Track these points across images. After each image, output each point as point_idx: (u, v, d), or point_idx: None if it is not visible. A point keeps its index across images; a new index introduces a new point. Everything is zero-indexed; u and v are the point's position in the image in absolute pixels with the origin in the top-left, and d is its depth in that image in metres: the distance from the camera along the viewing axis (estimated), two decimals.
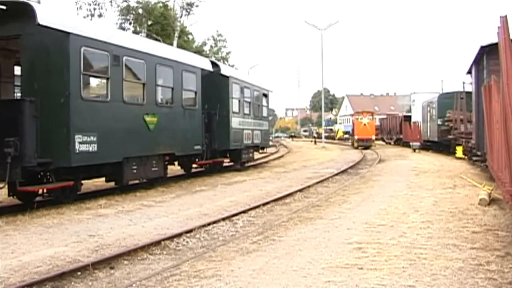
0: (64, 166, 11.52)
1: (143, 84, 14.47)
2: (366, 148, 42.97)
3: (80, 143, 11.62)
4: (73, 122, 11.48)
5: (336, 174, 20.01)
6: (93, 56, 12.51)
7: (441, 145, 32.11)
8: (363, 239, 7.97)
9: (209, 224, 9.70)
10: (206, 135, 18.90)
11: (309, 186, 15.81)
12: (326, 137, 60.66)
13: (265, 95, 26.06)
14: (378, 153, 34.06)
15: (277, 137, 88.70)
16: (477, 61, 17.08)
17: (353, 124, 48.68)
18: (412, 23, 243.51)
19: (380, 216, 9.93)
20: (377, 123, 57.93)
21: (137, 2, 38.18)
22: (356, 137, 46.26)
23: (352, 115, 57.96)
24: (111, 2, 36.49)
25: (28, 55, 11.62)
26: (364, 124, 45.92)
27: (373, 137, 46.71)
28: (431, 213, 10.18)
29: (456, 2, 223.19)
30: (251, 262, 6.77)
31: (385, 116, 65.48)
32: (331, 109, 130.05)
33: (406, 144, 41.51)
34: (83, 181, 12.83)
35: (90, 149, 11.95)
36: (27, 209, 11.00)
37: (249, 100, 23.20)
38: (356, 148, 43.71)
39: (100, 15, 35.76)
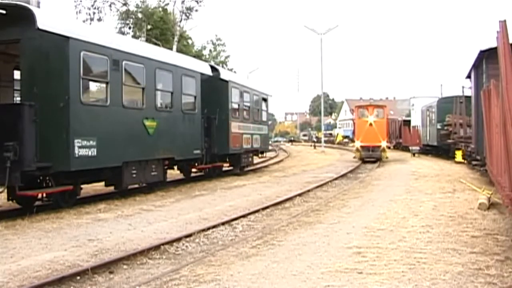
0: (64, 171, 11.51)
1: (143, 89, 14.48)
2: (374, 161, 29.61)
3: (79, 147, 11.62)
4: (73, 126, 11.48)
5: (336, 179, 20.01)
6: (92, 60, 12.52)
7: (440, 149, 32.11)
8: (363, 243, 7.96)
9: (208, 228, 9.70)
10: (206, 140, 18.91)
11: (308, 191, 15.81)
12: (326, 142, 60.69)
13: (265, 100, 26.07)
14: None
15: (277, 141, 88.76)
16: (476, 65, 17.11)
17: (354, 124, 33.96)
18: (411, 27, 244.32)
19: (379, 221, 9.92)
20: None
21: (137, 7, 38.30)
22: (358, 143, 31.00)
23: (352, 111, 42.25)
24: (110, 6, 36.64)
25: (27, 60, 11.63)
26: (370, 124, 30.42)
27: (384, 143, 30.51)
28: (431, 218, 10.18)
29: (455, 7, 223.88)
30: (251, 267, 6.76)
31: None
32: (330, 114, 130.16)
33: (406, 149, 41.43)
34: (82, 186, 12.82)
35: (90, 153, 11.95)
36: (26, 213, 10.98)
37: (248, 104, 23.21)
38: (361, 159, 30.00)
39: (99, 19, 35.91)
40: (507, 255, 7.08)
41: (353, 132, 35.49)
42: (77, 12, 35.29)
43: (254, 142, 23.54)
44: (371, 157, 29.96)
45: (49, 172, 11.41)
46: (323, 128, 65.51)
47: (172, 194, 15.05)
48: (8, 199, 11.68)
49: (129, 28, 38.81)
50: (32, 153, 10.87)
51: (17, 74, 13.34)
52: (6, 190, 11.13)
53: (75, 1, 35.28)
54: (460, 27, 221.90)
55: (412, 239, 8.19)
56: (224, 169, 22.14)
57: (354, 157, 31.74)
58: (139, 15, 38.18)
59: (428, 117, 35.92)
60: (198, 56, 42.79)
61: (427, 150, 36.12)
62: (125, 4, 37.52)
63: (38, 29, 10.85)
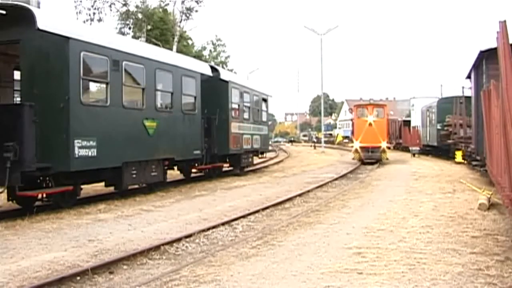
0: (64, 171, 11.51)
1: (143, 89, 14.47)
2: (374, 162, 28.35)
3: (79, 147, 11.62)
4: (73, 126, 11.48)
5: (336, 179, 20.00)
6: (92, 60, 12.52)
7: (440, 149, 32.12)
8: (363, 244, 7.96)
9: (208, 229, 9.69)
10: (206, 140, 18.90)
11: (308, 191, 15.80)
12: (326, 142, 60.69)
13: (265, 100, 26.08)
14: None
15: (277, 141, 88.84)
16: (477, 66, 17.11)
17: (353, 124, 31.76)
18: (411, 28, 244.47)
19: (379, 221, 9.92)
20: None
21: (137, 7, 38.31)
22: (357, 143, 29.44)
23: (351, 110, 39.15)
24: (110, 6, 36.66)
25: (27, 60, 11.63)
26: (370, 124, 29.05)
27: (384, 144, 29.26)
28: (431, 218, 10.18)
29: (455, 7, 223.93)
30: (251, 267, 6.76)
31: None
32: (330, 114, 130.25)
33: (406, 149, 41.45)
34: (82, 186, 12.82)
35: (90, 153, 11.94)
36: (26, 213, 10.98)
37: (248, 105, 23.21)
38: (360, 161, 28.78)
39: (99, 20, 35.96)
40: (507, 256, 7.08)
41: (352, 132, 32.13)
42: (77, 13, 35.40)
43: (254, 142, 23.54)
44: (370, 158, 28.67)
45: (49, 173, 11.40)
46: (323, 128, 65.59)
47: (172, 195, 15.05)
48: (8, 200, 11.68)
49: (129, 28, 38.87)
50: (32, 153, 10.86)
51: (17, 75, 13.33)
52: (6, 191, 11.12)
53: (75, 2, 35.38)
54: (460, 28, 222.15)
55: (412, 240, 8.19)
56: (224, 169, 22.14)
57: (353, 159, 30.19)
58: (139, 16, 38.20)
59: (428, 117, 35.92)
60: (198, 56, 42.84)
61: (427, 151, 36.12)
62: (125, 5, 37.57)
63: (38, 29, 10.85)
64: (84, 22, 33.78)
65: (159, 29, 38.89)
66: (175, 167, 18.05)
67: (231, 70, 50.99)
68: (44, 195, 11.87)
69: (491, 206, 11.33)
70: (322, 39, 50.66)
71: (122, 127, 13.34)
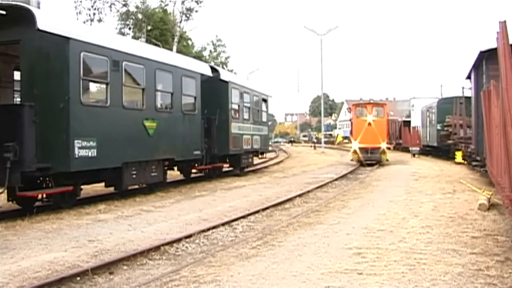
0: (64, 171, 11.51)
1: (143, 89, 14.48)
2: (374, 164, 27.29)
3: (79, 148, 11.62)
4: (73, 127, 11.48)
5: (336, 179, 19.99)
6: (92, 61, 12.52)
7: (440, 150, 32.12)
8: (363, 244, 7.96)
9: (208, 229, 9.69)
10: (206, 140, 18.90)
11: (308, 191, 15.80)
12: (326, 142, 60.71)
13: (265, 100, 26.08)
14: None
15: (277, 142, 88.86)
16: (477, 66, 17.11)
17: (352, 123, 30.02)
18: (411, 28, 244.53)
19: (379, 221, 9.92)
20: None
21: (137, 7, 38.34)
22: (356, 144, 28.10)
23: (349, 109, 37.62)
24: (110, 7, 36.69)
25: (27, 60, 11.63)
26: (369, 124, 27.94)
27: (384, 144, 28.35)
28: (431, 218, 10.18)
29: (455, 8, 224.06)
30: (251, 267, 6.76)
31: None
32: (330, 114, 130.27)
33: (406, 149, 41.45)
34: (82, 186, 12.81)
35: (90, 154, 11.95)
36: (26, 214, 10.98)
37: (248, 105, 23.22)
38: (359, 162, 27.77)
39: (99, 20, 35.99)
40: (507, 256, 7.08)
41: (351, 132, 30.49)
42: (77, 13, 35.44)
43: (254, 142, 23.54)
44: (369, 159, 27.59)
45: (49, 173, 11.40)
46: (323, 129, 65.62)
47: (172, 195, 15.05)
48: (8, 200, 11.68)
49: (129, 28, 38.90)
50: (32, 153, 10.86)
51: (17, 75, 13.33)
52: (6, 191, 11.12)
53: (75, 2, 35.41)
54: (460, 28, 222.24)
55: (412, 240, 8.19)
56: (224, 169, 22.14)
57: (352, 160, 28.91)
58: (139, 16, 38.22)
59: (428, 117, 35.93)
60: (198, 57, 42.84)
61: (427, 151, 36.13)
62: (125, 5, 37.59)
63: (38, 29, 10.85)
64: (84, 22, 33.81)
65: (159, 30, 38.92)
66: (175, 168, 18.05)
67: (231, 71, 51.07)
68: (44, 196, 11.88)
69: (491, 206, 11.33)
70: (322, 39, 50.75)
71: (122, 127, 13.34)
